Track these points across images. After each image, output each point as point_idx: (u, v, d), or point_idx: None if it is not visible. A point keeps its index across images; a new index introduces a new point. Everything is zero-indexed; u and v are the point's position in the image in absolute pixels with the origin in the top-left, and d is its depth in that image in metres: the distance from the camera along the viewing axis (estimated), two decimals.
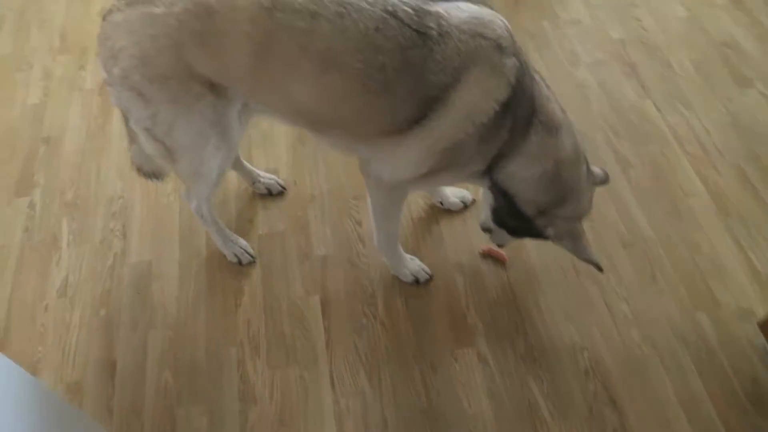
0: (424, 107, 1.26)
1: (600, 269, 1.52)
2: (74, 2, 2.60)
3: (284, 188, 1.99)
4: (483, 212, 1.66)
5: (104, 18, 1.33)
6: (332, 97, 1.29)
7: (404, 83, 1.24)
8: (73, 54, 2.41)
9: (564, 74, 2.30)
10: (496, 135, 1.30)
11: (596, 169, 1.58)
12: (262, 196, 1.99)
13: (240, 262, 1.83)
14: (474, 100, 1.24)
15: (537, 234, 1.52)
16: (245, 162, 1.94)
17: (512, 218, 1.50)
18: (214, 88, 1.34)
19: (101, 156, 2.10)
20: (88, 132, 2.17)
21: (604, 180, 1.63)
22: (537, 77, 1.35)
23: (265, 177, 1.97)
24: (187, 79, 1.30)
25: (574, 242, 1.50)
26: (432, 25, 1.22)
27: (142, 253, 1.88)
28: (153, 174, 1.75)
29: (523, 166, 1.37)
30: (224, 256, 1.84)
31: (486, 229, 1.70)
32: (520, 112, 1.29)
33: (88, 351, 1.70)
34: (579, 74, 2.30)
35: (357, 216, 1.94)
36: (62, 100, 2.27)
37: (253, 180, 1.96)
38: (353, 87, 1.25)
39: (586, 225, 1.67)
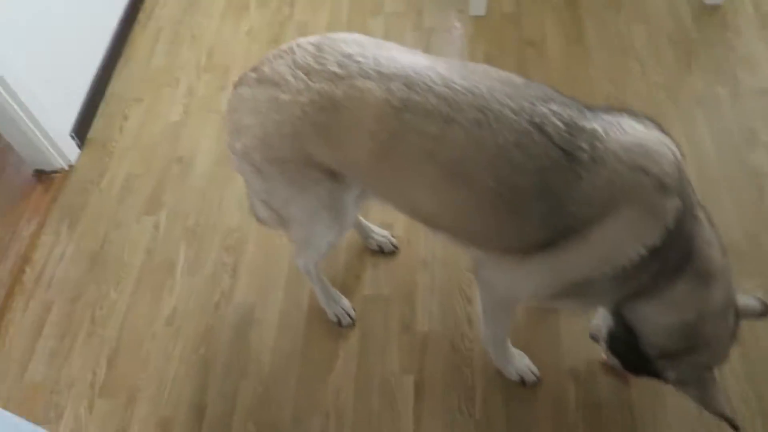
0: (557, 235, 1.09)
1: (735, 427, 1.25)
2: (226, 19, 2.66)
3: (396, 247, 1.89)
4: (597, 319, 1.45)
5: (235, 87, 1.29)
6: (454, 208, 1.16)
7: (539, 209, 1.07)
8: (216, 73, 2.46)
9: (734, 155, 1.97)
10: (636, 279, 1.10)
11: (749, 301, 1.30)
12: (373, 253, 1.90)
13: (340, 323, 1.77)
14: (618, 241, 1.05)
15: (654, 374, 1.29)
16: (360, 216, 1.86)
17: (629, 352, 1.29)
18: (333, 174, 1.26)
19: (226, 184, 2.13)
20: (218, 157, 2.21)
21: (762, 314, 1.34)
22: (702, 215, 1.12)
23: (379, 234, 1.88)
24: (306, 165, 1.23)
25: (701, 391, 1.24)
26: (584, 146, 1.04)
27: (247, 294, 1.88)
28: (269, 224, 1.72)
29: (659, 312, 1.15)
30: (325, 312, 1.79)
31: (594, 339, 1.49)
32: (671, 259, 1.08)
33: (182, 388, 1.73)
34: (754, 158, 1.96)
35: (468, 292, 1.80)
36: (199, 120, 2.33)
37: (365, 235, 1.88)
38: (479, 204, 1.11)
39: (734, 351, 1.40)
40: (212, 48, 2.56)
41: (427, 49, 2.41)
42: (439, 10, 2.57)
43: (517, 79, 1.15)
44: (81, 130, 2.30)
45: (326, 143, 1.18)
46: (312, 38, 1.23)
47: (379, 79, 1.12)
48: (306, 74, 1.16)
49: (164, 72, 2.50)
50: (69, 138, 2.23)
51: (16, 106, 2.02)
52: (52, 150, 2.17)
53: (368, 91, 1.12)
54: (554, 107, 1.09)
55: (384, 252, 1.89)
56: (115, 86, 2.47)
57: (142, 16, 2.71)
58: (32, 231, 2.08)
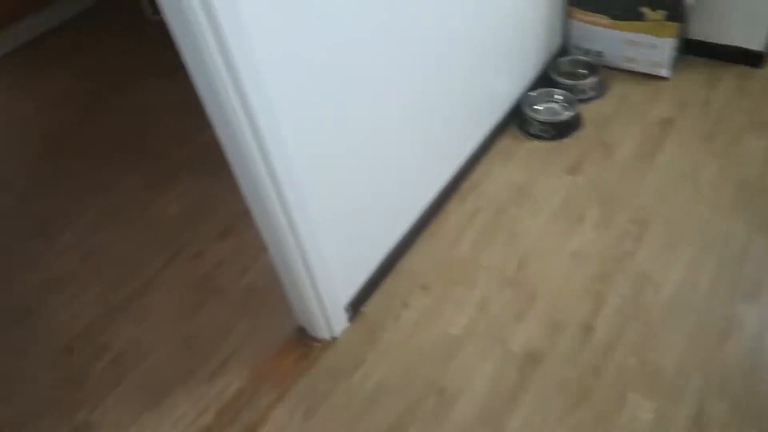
0: None
1: None
2: (554, 226, 2.27)
3: None
4: None
5: None
6: None
7: None
8: (519, 292, 2.08)
9: None
10: None
11: None
12: None
13: None
14: None
15: None
16: None
17: None
18: None
19: None
20: (483, 409, 1.80)
21: None
22: None
23: None
24: None
25: None
26: None
27: None
28: None
29: None
30: None
31: None
32: None
33: None
34: None
35: None
36: (480, 346, 1.96)
37: None
38: None
39: None
40: (526, 257, 2.18)
41: None
42: None
43: None
44: (357, 301, 2.11)
45: None
46: None
47: None
48: None
49: (465, 265, 2.20)
50: (342, 310, 2.06)
51: (300, 264, 1.85)
52: (321, 317, 2.01)
53: None
54: None
55: None
56: (408, 262, 2.25)
57: (465, 186, 2.48)
58: (270, 401, 1.92)
